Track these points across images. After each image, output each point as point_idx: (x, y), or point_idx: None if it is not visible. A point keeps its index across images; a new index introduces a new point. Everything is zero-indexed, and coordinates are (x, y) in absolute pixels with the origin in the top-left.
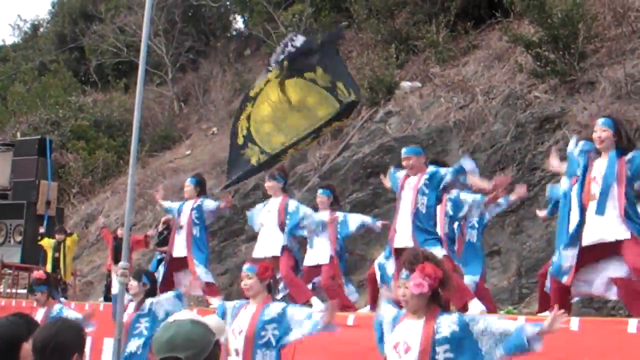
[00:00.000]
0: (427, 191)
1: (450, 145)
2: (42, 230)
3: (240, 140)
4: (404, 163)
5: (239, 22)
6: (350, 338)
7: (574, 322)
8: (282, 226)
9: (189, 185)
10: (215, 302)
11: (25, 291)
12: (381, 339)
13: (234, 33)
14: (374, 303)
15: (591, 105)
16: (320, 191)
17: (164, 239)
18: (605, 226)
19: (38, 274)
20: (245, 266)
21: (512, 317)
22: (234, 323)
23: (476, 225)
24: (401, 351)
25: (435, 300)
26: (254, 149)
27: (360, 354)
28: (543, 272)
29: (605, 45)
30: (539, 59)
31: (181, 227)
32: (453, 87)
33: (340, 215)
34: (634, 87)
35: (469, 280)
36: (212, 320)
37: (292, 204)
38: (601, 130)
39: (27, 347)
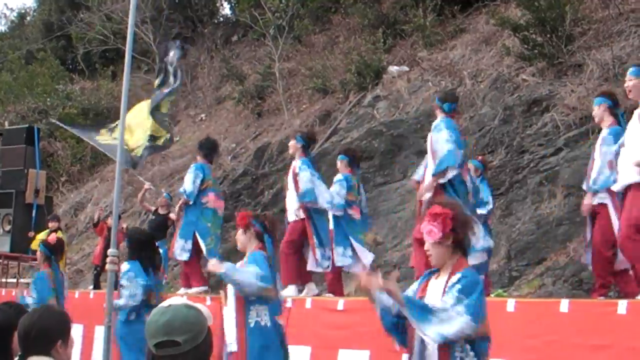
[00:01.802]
0: None
1: None
2: (31, 233)
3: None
4: None
5: (226, 9)
6: (340, 323)
7: (564, 304)
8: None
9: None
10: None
11: (14, 280)
12: None
13: (221, 19)
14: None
15: (579, 88)
16: (339, 156)
17: (156, 225)
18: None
19: (51, 238)
20: None
21: (502, 300)
22: None
23: None
24: None
25: (460, 249)
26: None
27: (350, 339)
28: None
29: (593, 27)
30: (526, 42)
31: None
32: (441, 71)
33: None
34: (621, 69)
35: None
36: (202, 307)
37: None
38: (628, 79)
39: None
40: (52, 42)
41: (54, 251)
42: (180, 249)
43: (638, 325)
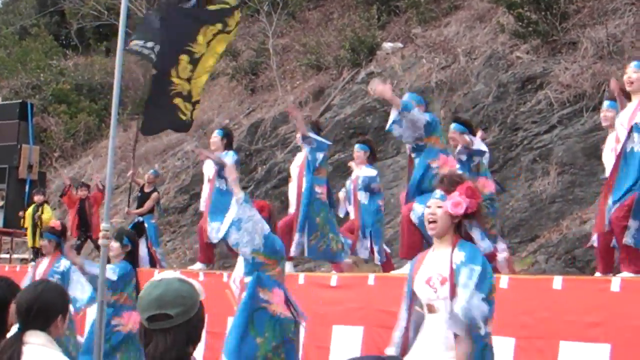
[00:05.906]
0: None
1: (432, 106)
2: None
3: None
4: None
5: None
6: (334, 299)
7: (557, 281)
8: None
9: (215, 136)
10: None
11: (7, 256)
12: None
13: None
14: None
15: (573, 66)
16: (357, 146)
17: (142, 202)
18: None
19: (54, 223)
20: None
21: (496, 276)
22: None
23: None
24: (436, 284)
25: (458, 231)
26: (188, 107)
27: (344, 315)
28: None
29: (587, 5)
30: (520, 20)
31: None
32: (435, 47)
33: None
34: (615, 47)
35: None
36: (195, 282)
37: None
38: (632, 71)
39: (12, 309)
40: (45, 17)
41: (63, 236)
42: None
43: (631, 302)
